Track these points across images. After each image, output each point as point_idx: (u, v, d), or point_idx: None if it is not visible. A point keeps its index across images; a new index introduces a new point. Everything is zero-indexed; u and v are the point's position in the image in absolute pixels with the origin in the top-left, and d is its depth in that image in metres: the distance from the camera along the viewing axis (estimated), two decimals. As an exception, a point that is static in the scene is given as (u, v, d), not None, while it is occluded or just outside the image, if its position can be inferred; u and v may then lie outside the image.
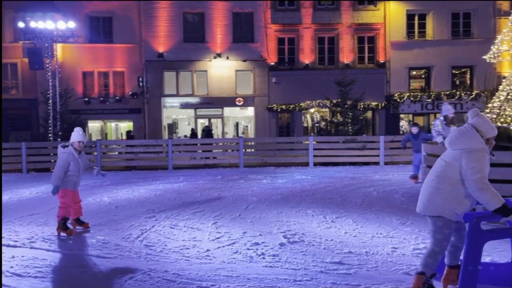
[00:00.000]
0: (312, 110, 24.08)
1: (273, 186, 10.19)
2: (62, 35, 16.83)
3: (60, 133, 16.44)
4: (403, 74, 23.70)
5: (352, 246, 5.30)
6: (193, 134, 20.35)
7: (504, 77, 7.96)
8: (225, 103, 23.36)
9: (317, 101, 22.84)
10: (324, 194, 8.96)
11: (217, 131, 24.44)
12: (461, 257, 3.84)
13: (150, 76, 22.89)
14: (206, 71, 23.14)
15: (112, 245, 5.53)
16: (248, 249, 5.27)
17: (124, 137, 23.89)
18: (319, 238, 5.69)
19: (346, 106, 17.14)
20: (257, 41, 23.13)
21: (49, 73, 16.59)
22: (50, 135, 16.31)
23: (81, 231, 6.30)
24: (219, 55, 22.86)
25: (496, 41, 7.78)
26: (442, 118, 9.21)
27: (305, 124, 24.48)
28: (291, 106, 23.34)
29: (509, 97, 7.35)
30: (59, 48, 19.02)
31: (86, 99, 22.70)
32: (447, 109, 9.24)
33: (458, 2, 22.78)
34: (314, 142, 14.58)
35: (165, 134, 23.34)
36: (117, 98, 22.95)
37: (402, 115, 24.19)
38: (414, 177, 10.35)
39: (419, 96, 23.34)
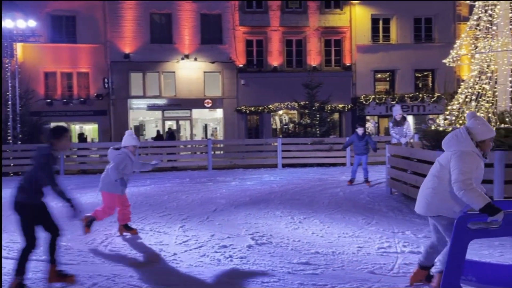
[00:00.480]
0: (280, 112, 24.25)
1: (241, 188, 10.17)
2: (22, 34, 16.20)
3: (20, 135, 15.82)
4: (369, 76, 24.25)
5: (319, 247, 5.36)
6: (159, 136, 19.98)
7: (463, 80, 8.27)
8: (193, 104, 23.17)
9: (286, 103, 23.01)
10: (292, 195, 9.03)
11: (185, 133, 24.20)
12: (437, 259, 3.92)
13: (115, 77, 22.40)
14: (174, 72, 22.88)
15: (74, 251, 5.37)
16: (216, 252, 5.23)
17: (89, 140, 23.27)
18: (287, 239, 5.73)
19: (313, 108, 17.35)
20: (225, 43, 23.09)
21: (9, 74, 15.93)
22: (9, 138, 15.65)
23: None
24: (187, 56, 22.66)
25: (455, 45, 8.06)
26: (394, 119, 9.77)
27: (274, 126, 24.62)
28: (260, 108, 23.41)
29: (467, 99, 7.65)
30: (19, 48, 18.30)
31: (48, 100, 21.95)
32: (396, 110, 9.94)
33: (420, 7, 23.54)
34: (282, 144, 14.68)
35: (132, 137, 22.84)
36: (81, 99, 22.33)
37: (368, 117, 24.73)
38: (351, 181, 10.19)
39: (384, 98, 23.93)
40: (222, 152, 15.95)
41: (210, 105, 23.22)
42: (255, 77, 23.23)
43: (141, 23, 22.41)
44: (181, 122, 24.13)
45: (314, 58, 23.70)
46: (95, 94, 22.30)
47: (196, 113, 23.80)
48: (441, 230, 3.81)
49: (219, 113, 23.89)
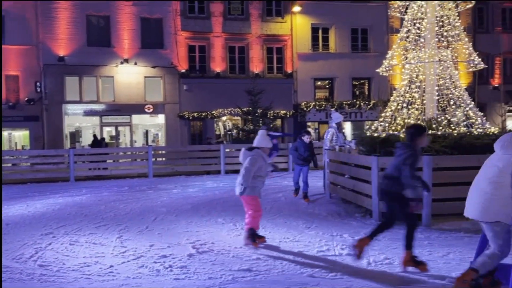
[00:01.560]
0: (224, 118, 24.22)
1: (183, 196, 10.00)
2: None
3: None
4: (309, 84, 24.94)
5: (260, 252, 5.38)
6: (96, 142, 18.98)
7: (395, 89, 8.73)
8: (133, 110, 22.50)
9: (229, 109, 23.04)
10: (235, 202, 8.96)
11: (125, 140, 23.43)
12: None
13: (49, 81, 21.21)
14: (112, 76, 22.10)
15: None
16: (155, 262, 5.08)
17: (19, 147, 21.84)
18: (229, 246, 5.69)
19: (256, 114, 17.54)
20: (167, 48, 22.71)
21: None
22: None
23: None
24: (126, 60, 22.00)
25: (387, 56, 8.50)
26: (335, 125, 9.73)
27: (217, 132, 24.53)
28: (203, 113, 23.24)
29: (399, 107, 8.08)
30: None
31: (-27, 105, 20.31)
32: (338, 116, 9.89)
33: (357, 18, 24.65)
34: (227, 150, 14.65)
35: (67, 143, 21.76)
36: (11, 104, 20.88)
37: (309, 123, 25.39)
38: (296, 191, 9.38)
39: (323, 105, 24.71)
40: (163, 159, 15.59)
41: (151, 110, 22.69)
42: (198, 83, 23.05)
43: (77, 25, 21.45)
44: (120, 128, 23.33)
45: (256, 65, 23.97)
46: (26, 99, 20.96)
47: (137, 118, 23.13)
48: (490, 236, 3.74)
49: (160, 118, 23.40)
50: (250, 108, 17.81)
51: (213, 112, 23.28)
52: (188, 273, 4.69)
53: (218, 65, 23.53)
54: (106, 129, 22.93)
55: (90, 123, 22.99)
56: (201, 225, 6.93)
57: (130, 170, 14.78)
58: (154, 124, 24.15)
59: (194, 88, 22.92)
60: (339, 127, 9.70)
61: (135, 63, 22.10)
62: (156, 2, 22.16)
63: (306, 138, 9.12)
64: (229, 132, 24.59)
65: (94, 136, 19.96)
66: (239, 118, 23.13)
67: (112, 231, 6.65)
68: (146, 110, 22.57)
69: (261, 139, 6.01)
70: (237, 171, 14.80)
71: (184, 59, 23.05)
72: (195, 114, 23.18)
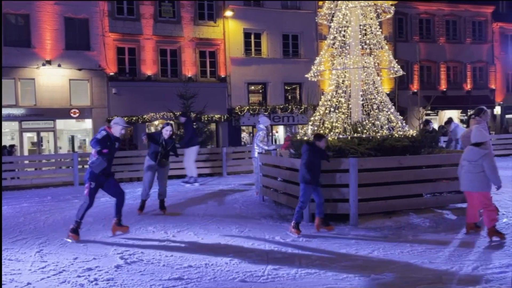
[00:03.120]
0: (156, 122, 23.62)
1: (112, 204, 9.40)
2: None
3: None
4: (243, 88, 25.14)
5: (192, 260, 5.27)
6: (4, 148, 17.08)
7: (324, 94, 9.04)
8: (57, 114, 21.20)
9: (161, 113, 22.51)
10: (167, 209, 8.77)
11: (48, 146, 22.00)
12: None
13: (-41, 83, 19.33)
14: (33, 79, 20.68)
15: None
16: (79, 276, 4.78)
17: None
18: (159, 255, 5.52)
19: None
20: (94, 49, 21.70)
21: None
22: None
23: None
24: (49, 62, 20.69)
25: (316, 62, 8.78)
26: (263, 127, 10.05)
27: (149, 137, 23.84)
28: (134, 118, 22.50)
29: (327, 111, 8.37)
30: None
31: None
32: (265, 120, 10.22)
33: (288, 25, 25.33)
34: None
35: (-19, 151, 19.92)
36: None
37: (243, 127, 25.57)
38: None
39: (257, 110, 25.02)
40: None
41: (77, 115, 21.53)
42: (128, 86, 22.29)
43: (-9, 22, 19.83)
44: (43, 133, 21.87)
45: (189, 69, 23.69)
46: None
47: (61, 123, 21.83)
48: None
49: (88, 123, 22.28)
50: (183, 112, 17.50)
51: (145, 116, 22.63)
52: (115, 285, 4.48)
53: (149, 68, 22.93)
54: (27, 134, 21.39)
55: (9, 128, 21.30)
56: (131, 234, 6.66)
57: (54, 179, 13.84)
58: (81, 129, 22.94)
59: (123, 92, 22.13)
60: (267, 131, 10.03)
61: (59, 65, 20.87)
62: (81, 2, 21.13)
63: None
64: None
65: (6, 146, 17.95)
66: (172, 122, 22.65)
67: (31, 245, 6.16)
68: (72, 114, 21.39)
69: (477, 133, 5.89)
70: (170, 177, 14.46)
71: (112, 61, 22.18)
72: (125, 118, 22.34)
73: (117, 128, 6.64)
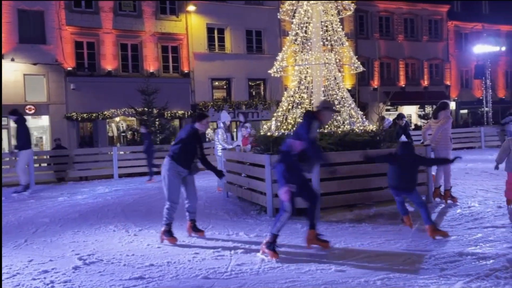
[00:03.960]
0: (117, 118, 23.05)
1: (70, 204, 9.23)
2: None
3: None
4: (207, 84, 24.94)
5: (154, 258, 5.17)
6: None
7: (287, 89, 9.09)
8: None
9: (122, 110, 21.99)
10: (128, 207, 8.59)
11: (1, 144, 20.94)
12: None
13: None
14: (-16, 74, 19.62)
15: None
16: (34, 279, 4.58)
17: None
18: (120, 254, 5.38)
19: (152, 115, 16.96)
20: (50, 43, 20.86)
21: None
22: None
23: None
24: (1, 56, 19.69)
25: (278, 58, 8.81)
26: (222, 125, 10.04)
27: (110, 134, 23.24)
28: (94, 114, 21.84)
29: (289, 107, 8.43)
30: None
31: None
32: (225, 116, 10.21)
33: (251, 20, 25.30)
34: (120, 153, 13.93)
35: None
36: None
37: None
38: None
39: (221, 106, 24.91)
40: (48, 164, 14.24)
41: (33, 111, 20.66)
42: (87, 82, 21.60)
43: None
44: (-4, 131, 20.81)
45: (151, 64, 23.24)
46: None
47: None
48: None
49: (44, 120, 21.43)
50: (145, 108, 17.16)
51: (105, 112, 22.02)
52: (73, 287, 4.32)
53: (109, 63, 22.29)
54: (-22, 132, 20.28)
55: (-43, 126, 20.12)
56: (90, 234, 6.46)
57: (8, 178, 13.22)
58: (37, 126, 22.02)
59: (82, 87, 21.42)
60: (225, 126, 9.99)
61: (12, 59, 19.93)
62: (36, -7, 20.24)
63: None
64: (123, 134, 23.46)
65: None
66: (134, 118, 22.20)
67: (-19, 248, 5.84)
68: (27, 111, 20.49)
69: None
70: (132, 175, 14.12)
71: (70, 56, 21.41)
72: (85, 115, 21.70)
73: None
